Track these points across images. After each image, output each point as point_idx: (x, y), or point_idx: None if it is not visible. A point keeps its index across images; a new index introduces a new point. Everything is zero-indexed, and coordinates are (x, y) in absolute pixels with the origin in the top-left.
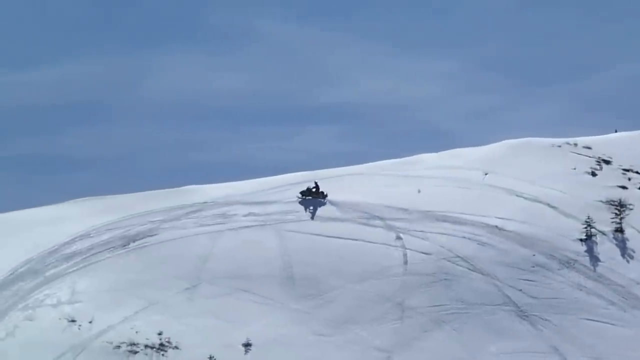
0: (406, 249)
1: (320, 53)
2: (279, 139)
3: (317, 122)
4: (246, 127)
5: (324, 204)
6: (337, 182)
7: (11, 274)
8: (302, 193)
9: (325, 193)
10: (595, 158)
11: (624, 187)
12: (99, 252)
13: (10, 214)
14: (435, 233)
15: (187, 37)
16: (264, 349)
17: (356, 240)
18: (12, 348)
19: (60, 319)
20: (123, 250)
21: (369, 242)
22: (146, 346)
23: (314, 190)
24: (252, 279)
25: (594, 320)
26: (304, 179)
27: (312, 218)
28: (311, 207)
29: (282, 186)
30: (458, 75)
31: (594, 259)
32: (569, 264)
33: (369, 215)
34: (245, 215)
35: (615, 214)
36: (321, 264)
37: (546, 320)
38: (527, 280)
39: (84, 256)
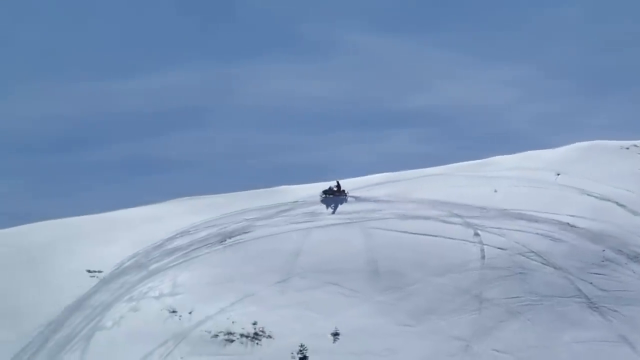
0: (483, 244)
1: (402, 62)
2: (364, 142)
3: (400, 126)
4: (334, 131)
5: (345, 201)
6: (418, 182)
7: (118, 268)
8: (325, 192)
9: (346, 191)
10: None
11: None
12: (198, 247)
13: (118, 212)
14: (511, 230)
15: (279, 48)
16: (351, 338)
17: (437, 236)
18: (119, 337)
19: (162, 310)
20: (220, 246)
21: (448, 238)
22: (241, 335)
23: (335, 189)
24: (339, 272)
25: None
26: (387, 179)
27: (334, 213)
28: (333, 205)
29: (367, 186)
30: (530, 81)
31: None
32: (636, 258)
33: (448, 213)
34: (332, 214)
35: None
36: (404, 259)
37: (615, 311)
38: (597, 273)
39: (184, 251)
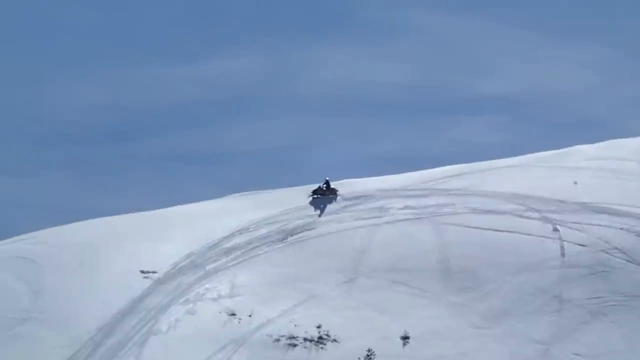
0: (563, 240)
1: (472, 43)
2: (434, 131)
3: (472, 113)
4: (402, 119)
5: (334, 200)
6: (492, 174)
7: (172, 268)
8: (314, 192)
9: (336, 190)
10: None
11: None
12: (258, 246)
13: (172, 209)
14: (593, 225)
15: (343, 31)
16: (422, 342)
17: (512, 232)
18: (174, 341)
19: (220, 312)
20: (281, 244)
21: (525, 234)
22: (305, 339)
23: (324, 187)
24: (409, 271)
25: None
26: (460, 171)
27: (320, 216)
28: (321, 206)
29: (439, 179)
30: (614, 64)
31: None
32: None
33: (525, 208)
34: (401, 209)
35: None
36: (478, 257)
37: None
38: None
39: (243, 250)
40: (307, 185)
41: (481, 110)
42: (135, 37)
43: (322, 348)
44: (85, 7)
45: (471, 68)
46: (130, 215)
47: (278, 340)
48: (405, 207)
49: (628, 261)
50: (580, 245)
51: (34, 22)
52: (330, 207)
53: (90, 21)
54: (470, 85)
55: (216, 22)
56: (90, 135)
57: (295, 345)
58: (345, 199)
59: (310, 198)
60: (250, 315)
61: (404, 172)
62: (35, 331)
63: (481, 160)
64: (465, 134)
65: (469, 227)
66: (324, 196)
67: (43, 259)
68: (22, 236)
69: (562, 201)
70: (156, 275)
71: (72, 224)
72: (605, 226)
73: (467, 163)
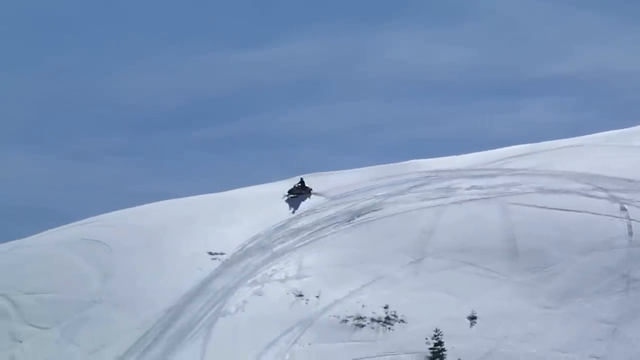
0: (631, 220)
1: (539, 24)
2: (499, 112)
3: (538, 94)
4: (467, 100)
5: (308, 197)
6: (559, 153)
7: (240, 250)
8: (290, 191)
9: (310, 188)
10: None
11: None
12: (324, 227)
13: (239, 190)
14: None
15: (406, 13)
16: (489, 322)
17: (580, 212)
18: (242, 322)
19: (287, 293)
20: (348, 225)
21: (592, 213)
22: (372, 320)
23: (299, 185)
24: (476, 252)
25: None
26: (526, 151)
27: (293, 213)
28: (296, 204)
29: (505, 159)
30: None
31: None
32: None
33: (592, 187)
34: (468, 189)
35: None
36: (545, 237)
37: None
38: None
39: (310, 232)
40: (373, 166)
41: (548, 91)
42: (199, 23)
43: (389, 329)
44: None
45: (536, 49)
46: (197, 197)
47: (345, 321)
48: (472, 188)
49: None
50: None
51: (99, 9)
52: (397, 188)
53: (155, 9)
54: (537, 66)
55: (280, 7)
56: (156, 120)
57: (362, 326)
58: (318, 195)
59: (286, 197)
60: (317, 297)
61: (470, 152)
62: (105, 313)
63: (548, 140)
64: (531, 115)
65: (536, 206)
66: (299, 195)
67: (112, 242)
68: (91, 219)
69: (630, 180)
70: (224, 257)
71: (140, 206)
72: None
73: (533, 143)
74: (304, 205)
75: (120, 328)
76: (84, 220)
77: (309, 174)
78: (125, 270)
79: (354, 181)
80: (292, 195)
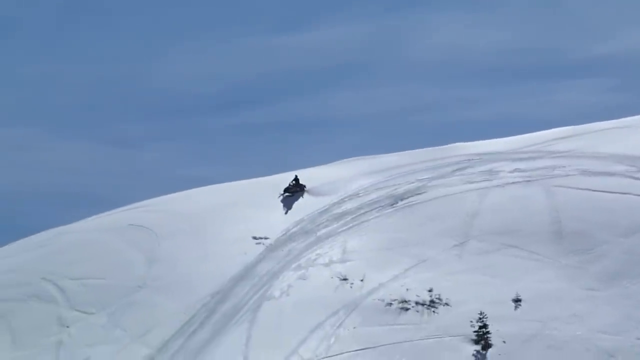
0: None
1: (583, 5)
2: (541, 95)
3: (582, 76)
4: (511, 83)
5: (301, 197)
6: (602, 135)
7: (284, 234)
8: (285, 190)
9: (304, 186)
10: None
11: None
12: (368, 211)
13: (282, 175)
14: None
15: None
16: (534, 304)
17: (624, 193)
18: (287, 307)
19: (332, 277)
20: (391, 209)
21: (637, 195)
22: (417, 303)
23: (293, 183)
24: (520, 235)
25: None
26: (570, 133)
27: (286, 213)
28: (289, 204)
29: (548, 141)
30: None
31: None
32: None
33: (636, 169)
34: (511, 172)
35: None
36: (589, 219)
37: None
38: None
39: (353, 216)
40: (416, 150)
41: (591, 73)
42: (240, 8)
43: (434, 312)
44: None
45: (580, 31)
46: (241, 182)
47: (390, 304)
48: (515, 170)
49: None
50: None
51: None
52: (439, 171)
53: None
54: (577, 48)
55: None
56: (199, 105)
57: (407, 309)
58: (310, 194)
59: (282, 197)
60: (362, 280)
61: (513, 135)
62: (151, 298)
63: (591, 122)
64: (573, 97)
65: (580, 189)
66: (294, 194)
67: (157, 227)
68: (136, 204)
69: None
70: (268, 241)
71: (185, 191)
72: None
73: (576, 125)
74: (349, 189)
75: (166, 313)
76: (129, 206)
77: (352, 158)
78: (170, 256)
79: (397, 164)
80: (287, 194)
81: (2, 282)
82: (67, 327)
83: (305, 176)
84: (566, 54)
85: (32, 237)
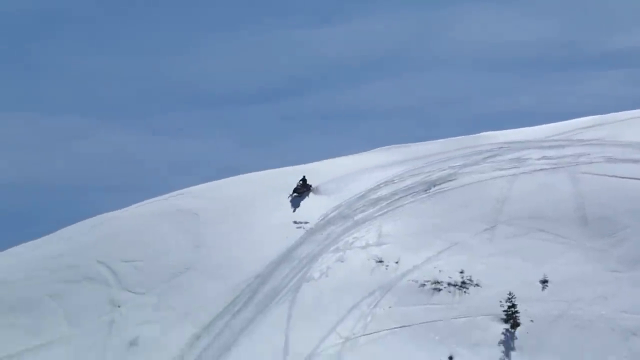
0: None
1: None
2: (567, 85)
3: (606, 67)
4: (535, 74)
5: (307, 196)
6: (627, 124)
7: (323, 219)
8: (295, 190)
9: (310, 185)
10: None
11: None
12: (402, 197)
13: (321, 162)
14: None
15: None
16: (560, 286)
17: None
18: (326, 288)
19: (368, 259)
20: (424, 195)
21: None
22: (449, 284)
23: (301, 184)
24: (547, 219)
25: None
26: (595, 122)
27: (294, 211)
28: (297, 203)
29: (574, 130)
30: None
31: None
32: None
33: None
34: (538, 159)
35: None
36: (613, 204)
37: None
38: None
39: (389, 201)
40: (448, 138)
41: (616, 64)
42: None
43: (465, 292)
44: None
45: (606, 23)
46: (282, 169)
47: (423, 285)
48: (543, 158)
49: None
50: None
51: None
52: (471, 159)
53: None
54: (604, 40)
55: None
56: (242, 95)
57: (439, 290)
58: (315, 193)
59: (291, 197)
60: (396, 262)
61: (540, 124)
62: (197, 280)
63: (615, 112)
64: (599, 87)
65: (604, 175)
66: (302, 194)
67: (203, 213)
68: (182, 191)
69: None
70: (308, 226)
71: (229, 178)
72: None
73: (601, 115)
74: (385, 176)
75: (211, 294)
76: (176, 192)
77: (391, 146)
78: (216, 240)
79: (430, 152)
80: (295, 195)
81: (58, 264)
82: (119, 307)
83: (342, 164)
84: (590, 46)
85: (86, 221)
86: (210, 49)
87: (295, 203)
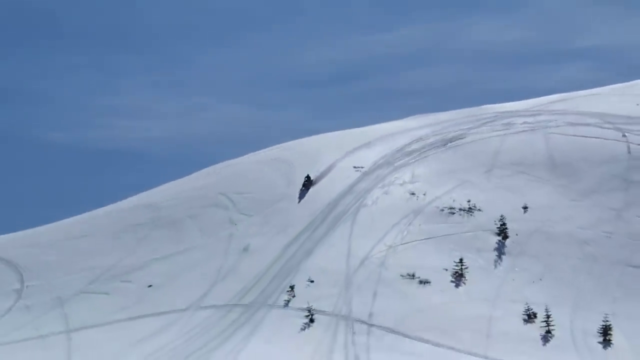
0: (629, 143)
1: (571, 10)
2: (546, 72)
3: (572, 60)
4: (523, 65)
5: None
6: (582, 100)
7: (373, 165)
8: (303, 185)
9: (313, 181)
10: None
11: None
12: (428, 149)
13: (374, 126)
14: None
15: (480, 5)
16: (536, 210)
17: (596, 138)
18: (376, 211)
19: (405, 192)
20: (443, 148)
21: (604, 138)
22: (460, 209)
23: (306, 181)
24: (527, 165)
25: None
26: (561, 98)
27: (299, 202)
28: (302, 195)
29: (547, 103)
30: None
31: None
32: None
33: (603, 121)
34: (521, 124)
35: None
36: (573, 154)
37: None
38: None
39: (419, 152)
40: (460, 109)
41: (580, 57)
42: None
43: (471, 215)
44: None
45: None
46: (346, 131)
47: (442, 210)
48: (524, 123)
49: None
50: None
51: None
52: (476, 123)
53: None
54: (572, 39)
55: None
56: (319, 81)
57: (454, 213)
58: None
59: (300, 191)
60: (424, 194)
61: (524, 99)
62: (288, 207)
63: (577, 91)
64: (567, 74)
65: (567, 135)
66: (308, 188)
67: (293, 160)
68: (278, 146)
69: (629, 117)
70: (363, 169)
71: (310, 137)
72: None
73: (566, 93)
74: (416, 135)
75: (298, 215)
76: (273, 147)
77: (420, 115)
78: (301, 179)
79: (447, 119)
80: (303, 189)
81: (194, 195)
82: (235, 224)
83: (386, 127)
84: (561, 44)
85: (211, 167)
86: (306, 48)
87: (301, 195)
